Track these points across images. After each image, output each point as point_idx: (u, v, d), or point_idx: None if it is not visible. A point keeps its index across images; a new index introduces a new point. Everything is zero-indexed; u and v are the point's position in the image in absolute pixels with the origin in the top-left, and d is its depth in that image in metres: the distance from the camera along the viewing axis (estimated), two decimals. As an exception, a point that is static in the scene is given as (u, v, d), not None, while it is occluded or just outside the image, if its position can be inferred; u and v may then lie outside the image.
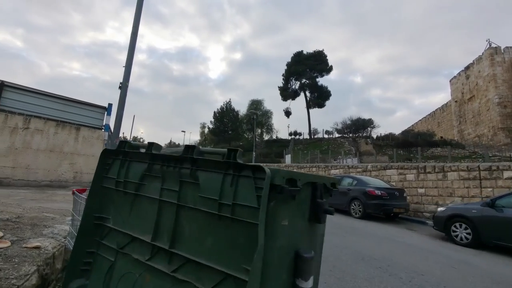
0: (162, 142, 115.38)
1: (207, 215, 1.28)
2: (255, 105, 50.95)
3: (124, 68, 7.19)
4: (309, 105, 42.02)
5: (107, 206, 1.74)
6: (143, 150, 1.66)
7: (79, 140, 9.66)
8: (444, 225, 6.77)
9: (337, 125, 54.06)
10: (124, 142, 1.76)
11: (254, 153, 26.22)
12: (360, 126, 53.20)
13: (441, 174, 9.75)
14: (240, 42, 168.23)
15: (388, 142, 42.61)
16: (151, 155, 1.59)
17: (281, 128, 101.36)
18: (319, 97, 41.27)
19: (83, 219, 1.73)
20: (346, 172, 14.29)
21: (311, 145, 41.40)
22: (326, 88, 41.36)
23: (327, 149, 39.00)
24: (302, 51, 43.03)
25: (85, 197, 2.20)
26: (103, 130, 10.50)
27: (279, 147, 42.18)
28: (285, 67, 44.16)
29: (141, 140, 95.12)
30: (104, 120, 10.63)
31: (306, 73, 41.21)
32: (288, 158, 27.70)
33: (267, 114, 51.15)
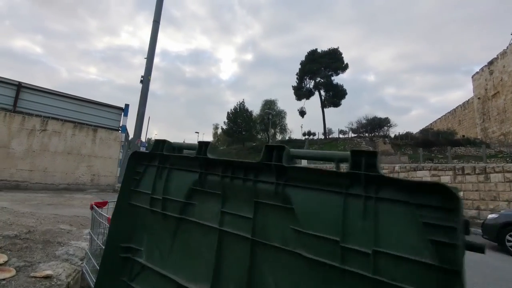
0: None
1: (314, 265, 0.75)
2: (269, 105, 50.41)
3: (145, 60, 6.74)
4: (324, 104, 41.03)
5: (138, 233, 1.23)
6: (189, 153, 1.15)
7: (96, 142, 9.41)
8: (497, 234, 6.00)
9: (352, 124, 52.95)
10: (161, 141, 1.24)
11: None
12: (376, 125, 51.72)
13: (482, 176, 8.88)
14: (251, 43, 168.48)
15: (407, 142, 41.03)
16: (205, 161, 1.07)
17: (294, 128, 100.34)
18: (335, 96, 40.22)
19: (106, 250, 1.23)
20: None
21: (327, 145, 40.39)
22: (342, 86, 40.28)
23: (343, 149, 37.92)
24: (316, 49, 42.12)
25: (107, 216, 1.71)
26: (119, 131, 10.24)
27: (293, 147, 41.28)
28: (299, 66, 43.38)
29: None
30: (121, 121, 10.36)
31: (321, 71, 40.27)
32: (305, 160, 26.94)
33: (280, 114, 50.47)
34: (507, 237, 5.90)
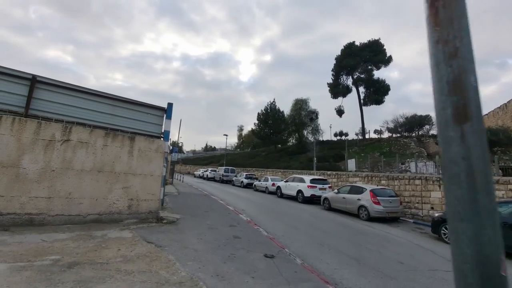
0: (199, 146, 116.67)
1: None
2: (300, 104, 47.32)
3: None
4: (365, 102, 37.25)
5: None
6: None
7: (134, 154, 6.98)
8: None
9: (387, 123, 48.84)
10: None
11: (315, 158, 22.62)
12: (415, 123, 47.05)
13: None
14: (270, 44, 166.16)
15: (462, 142, 36.03)
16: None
17: (323, 128, 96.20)
18: (376, 92, 36.35)
19: None
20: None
21: (369, 147, 36.59)
22: (384, 82, 36.33)
23: (389, 151, 34.02)
24: (353, 42, 38.50)
25: None
26: (162, 138, 7.78)
27: (329, 149, 38.06)
28: (334, 62, 39.93)
29: (180, 144, 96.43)
30: (163, 125, 7.90)
31: (360, 66, 36.60)
32: (351, 163, 23.70)
33: (312, 114, 47.22)
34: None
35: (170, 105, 7.96)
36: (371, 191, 11.58)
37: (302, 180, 17.19)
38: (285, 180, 19.07)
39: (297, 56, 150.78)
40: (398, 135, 41.59)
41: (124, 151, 6.86)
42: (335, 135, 50.89)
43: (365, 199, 11.50)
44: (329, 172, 19.96)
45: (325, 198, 13.86)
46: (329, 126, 67.88)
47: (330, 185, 16.99)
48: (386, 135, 47.98)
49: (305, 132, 48.46)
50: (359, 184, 13.43)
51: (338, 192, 13.22)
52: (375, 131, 53.27)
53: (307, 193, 16.14)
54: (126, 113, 7.34)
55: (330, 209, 13.26)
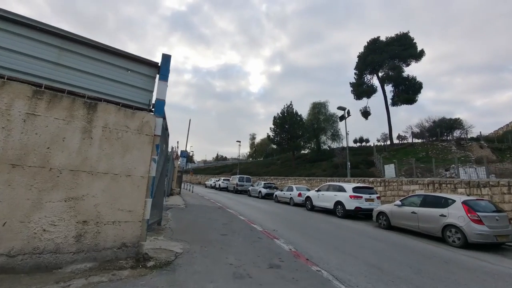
0: (209, 155, 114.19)
1: None
2: (317, 108, 43.83)
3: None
4: (394, 101, 33.32)
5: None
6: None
7: (93, 135, 3.69)
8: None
9: (411, 128, 45.08)
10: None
11: (348, 162, 18.86)
12: (445, 127, 42.67)
13: None
14: (279, 55, 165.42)
15: (509, 145, 31.53)
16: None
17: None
18: (407, 90, 32.39)
19: None
20: None
21: (400, 152, 32.44)
22: (415, 78, 32.39)
23: (425, 156, 29.82)
24: (378, 37, 34.93)
25: None
26: (151, 113, 4.47)
27: (353, 155, 34.09)
28: (356, 59, 36.41)
29: (191, 153, 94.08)
30: (156, 91, 4.59)
31: (387, 62, 32.93)
32: (389, 169, 19.76)
33: (332, 119, 43.43)
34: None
35: (166, 58, 4.67)
36: (465, 203, 7.83)
37: (341, 189, 13.51)
38: (316, 189, 15.41)
39: (306, 65, 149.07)
40: (434, 138, 37.23)
41: (74, 128, 3.56)
42: (355, 141, 46.94)
43: (456, 215, 7.75)
44: (371, 179, 16.16)
45: (381, 213, 10.11)
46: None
47: (378, 195, 13.24)
48: (412, 140, 43.83)
49: (323, 138, 44.71)
50: (443, 194, 9.53)
51: (402, 205, 9.49)
52: (399, 137, 49.05)
53: (350, 205, 12.45)
54: (86, 65, 4.08)
55: (390, 227, 9.54)
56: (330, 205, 13.62)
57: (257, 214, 11.79)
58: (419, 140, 42.10)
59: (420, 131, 46.31)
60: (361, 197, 12.50)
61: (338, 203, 13.07)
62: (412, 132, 46.96)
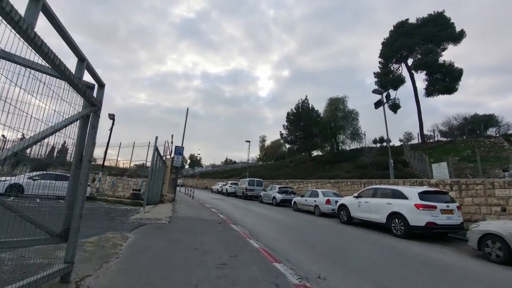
0: (218, 160, 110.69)
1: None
2: (335, 104, 39.27)
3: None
4: (428, 91, 28.54)
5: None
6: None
7: None
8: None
9: (437, 127, 40.49)
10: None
11: (390, 160, 14.46)
12: (477, 125, 37.52)
13: None
14: (287, 60, 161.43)
15: None
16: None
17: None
18: (443, 78, 27.61)
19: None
20: None
21: (438, 150, 27.61)
22: (453, 65, 27.58)
23: (470, 154, 24.96)
24: (407, 19, 30.43)
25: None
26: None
27: (380, 155, 29.56)
28: (381, 46, 31.92)
29: (199, 157, 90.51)
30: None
31: (419, 47, 28.33)
32: (440, 169, 15.22)
33: (350, 116, 38.79)
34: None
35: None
36: None
37: (397, 194, 9.24)
38: (355, 194, 11.16)
39: (315, 70, 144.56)
40: (467, 136, 32.13)
41: None
42: (374, 141, 42.14)
43: None
44: (432, 181, 11.72)
45: (489, 234, 5.81)
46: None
47: (458, 204, 8.88)
48: (438, 138, 39.00)
49: (341, 137, 40.04)
50: None
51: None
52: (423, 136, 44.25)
53: (416, 219, 8.24)
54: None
55: (506, 261, 5.28)
56: (380, 217, 9.39)
57: (276, 234, 7.66)
58: (446, 139, 37.39)
59: (449, 128, 41.46)
60: (435, 207, 8.22)
61: (395, 215, 8.85)
62: (440, 130, 42.11)
